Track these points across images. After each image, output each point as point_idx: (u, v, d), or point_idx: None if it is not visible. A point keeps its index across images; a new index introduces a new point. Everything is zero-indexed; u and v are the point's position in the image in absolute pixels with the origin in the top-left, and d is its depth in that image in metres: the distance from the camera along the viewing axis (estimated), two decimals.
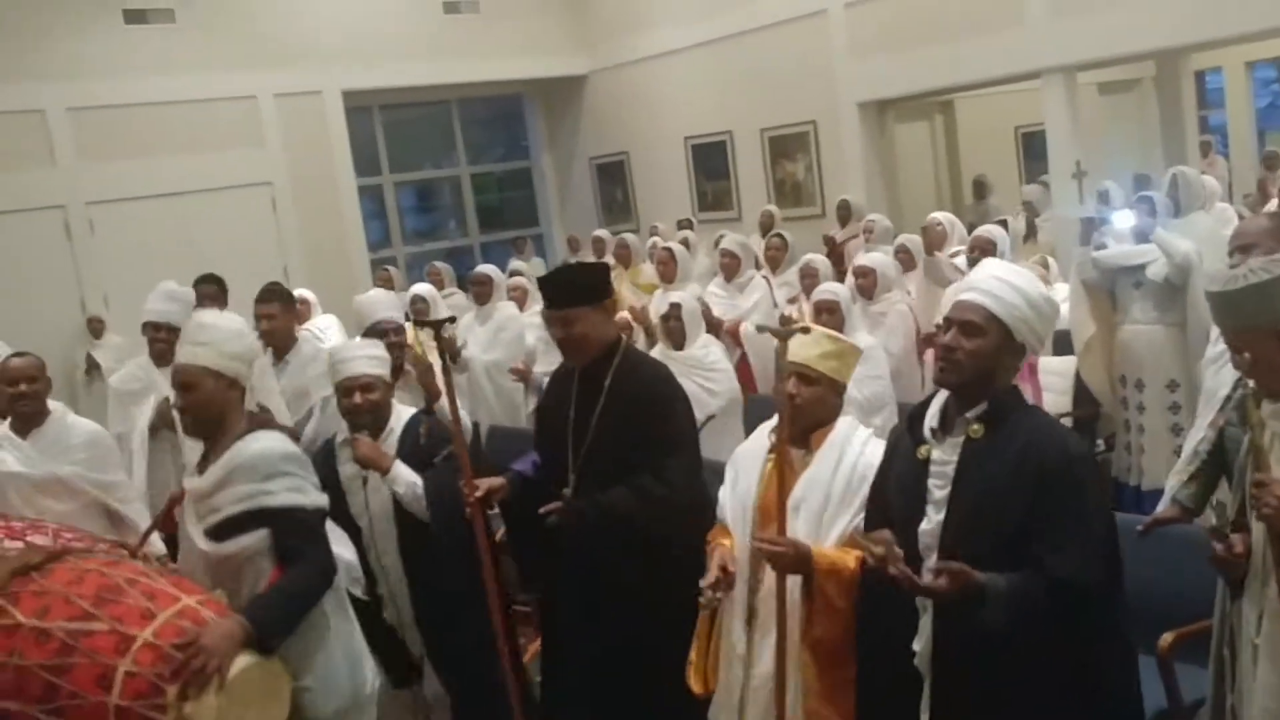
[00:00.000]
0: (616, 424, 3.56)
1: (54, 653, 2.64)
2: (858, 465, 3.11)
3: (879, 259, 6.54)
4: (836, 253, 9.29)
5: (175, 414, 4.76)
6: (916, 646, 2.69)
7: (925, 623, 2.66)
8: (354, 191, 11.59)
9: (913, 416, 2.76)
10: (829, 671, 3.00)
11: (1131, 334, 5.47)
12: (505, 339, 7.15)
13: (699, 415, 5.27)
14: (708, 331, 6.24)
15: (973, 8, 9.15)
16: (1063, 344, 6.52)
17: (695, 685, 3.35)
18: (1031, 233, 8.96)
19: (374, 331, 4.94)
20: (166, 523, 3.48)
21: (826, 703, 3.01)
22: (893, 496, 2.76)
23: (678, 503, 3.49)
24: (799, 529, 3.08)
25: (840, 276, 7.62)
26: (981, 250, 5.52)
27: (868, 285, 6.29)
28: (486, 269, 7.52)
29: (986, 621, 2.44)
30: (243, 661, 2.73)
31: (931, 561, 2.58)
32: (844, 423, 3.26)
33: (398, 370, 4.58)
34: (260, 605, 2.85)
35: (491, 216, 13.94)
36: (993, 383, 2.60)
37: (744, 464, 3.39)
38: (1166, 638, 3.37)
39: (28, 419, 4.20)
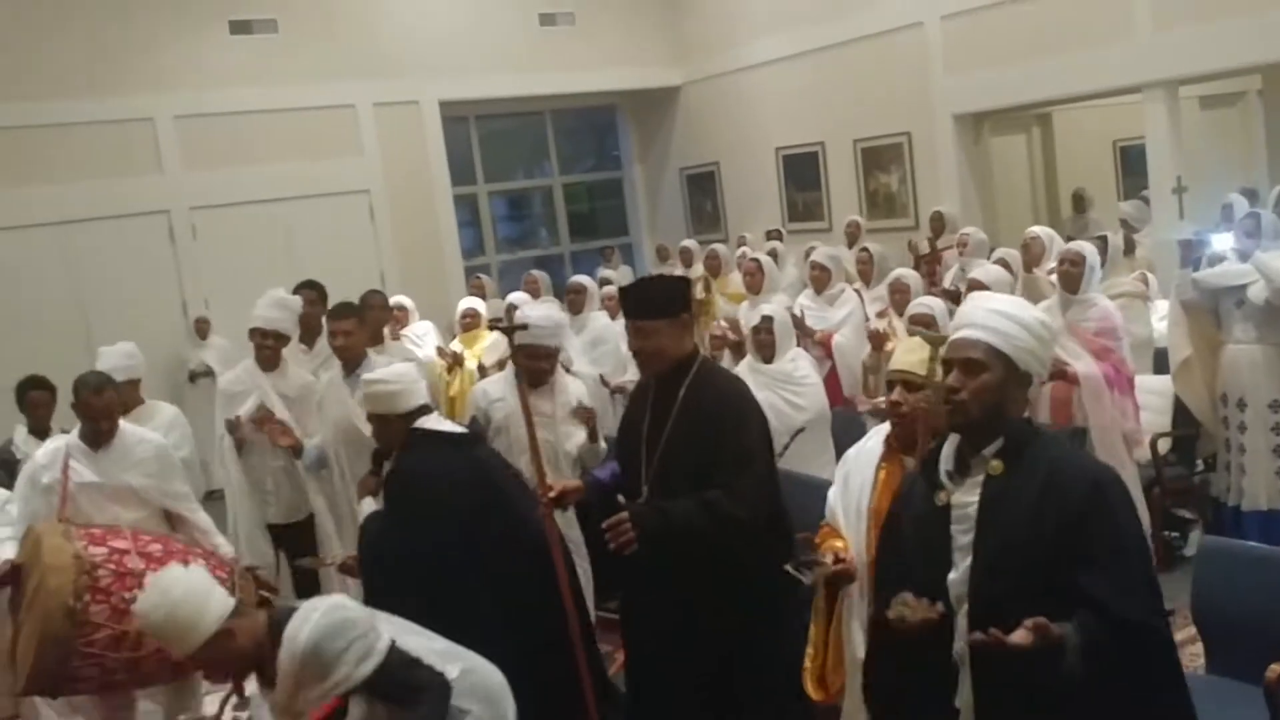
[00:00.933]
0: (688, 436, 3.57)
1: None
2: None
3: (994, 274, 6.36)
4: (928, 264, 9.19)
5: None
6: (958, 703, 2.56)
7: (964, 677, 2.54)
8: (449, 199, 11.76)
9: (926, 462, 2.66)
10: None
11: (1234, 353, 5.37)
12: (606, 350, 7.21)
13: (786, 429, 5.30)
14: (799, 344, 6.22)
15: (1073, 21, 8.99)
16: (1163, 362, 6.39)
17: (814, 692, 3.34)
18: (1130, 249, 8.77)
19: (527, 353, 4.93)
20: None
21: None
22: (911, 549, 2.64)
23: (746, 519, 3.46)
24: None
25: (930, 289, 7.55)
26: (1071, 263, 5.43)
27: None
28: (581, 279, 7.59)
29: (1067, 674, 2.34)
30: None
31: (964, 609, 2.49)
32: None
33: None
34: None
35: (582, 225, 14.05)
36: (1001, 419, 2.51)
37: (855, 466, 3.34)
38: (1275, 668, 3.28)
39: (101, 435, 4.39)
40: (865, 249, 8.09)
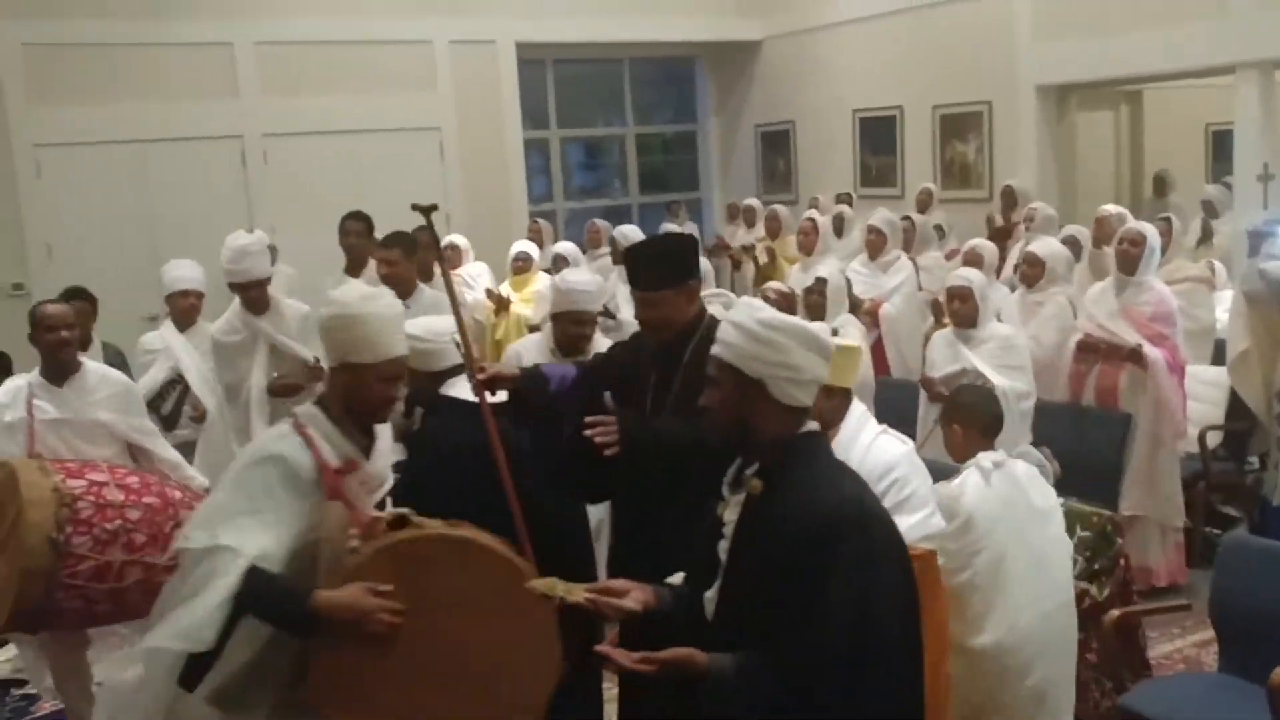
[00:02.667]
0: (691, 399, 3.46)
1: None
2: (862, 468, 2.94)
3: (1053, 249, 6.20)
4: (1001, 236, 9.00)
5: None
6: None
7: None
8: (519, 143, 11.72)
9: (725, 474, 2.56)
10: None
11: None
12: None
13: None
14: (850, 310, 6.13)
15: None
16: (1222, 353, 6.19)
17: None
18: (1206, 236, 8.51)
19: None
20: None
21: None
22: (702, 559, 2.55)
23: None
24: None
25: (1000, 263, 7.40)
26: (1131, 244, 5.26)
27: (1033, 275, 5.98)
28: (626, 228, 7.53)
29: (707, 706, 2.26)
30: None
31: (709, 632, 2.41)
32: (850, 423, 3.12)
33: None
34: None
35: (654, 178, 13.95)
36: (755, 430, 2.40)
37: None
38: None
39: (64, 367, 4.31)
40: (908, 216, 7.92)
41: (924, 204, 9.98)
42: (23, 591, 3.72)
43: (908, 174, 11.34)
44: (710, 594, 2.43)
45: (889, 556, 2.30)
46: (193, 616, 2.55)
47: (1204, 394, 5.95)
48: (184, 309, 5.71)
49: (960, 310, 5.10)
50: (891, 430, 3.23)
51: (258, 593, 2.59)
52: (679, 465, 3.31)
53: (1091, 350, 5.38)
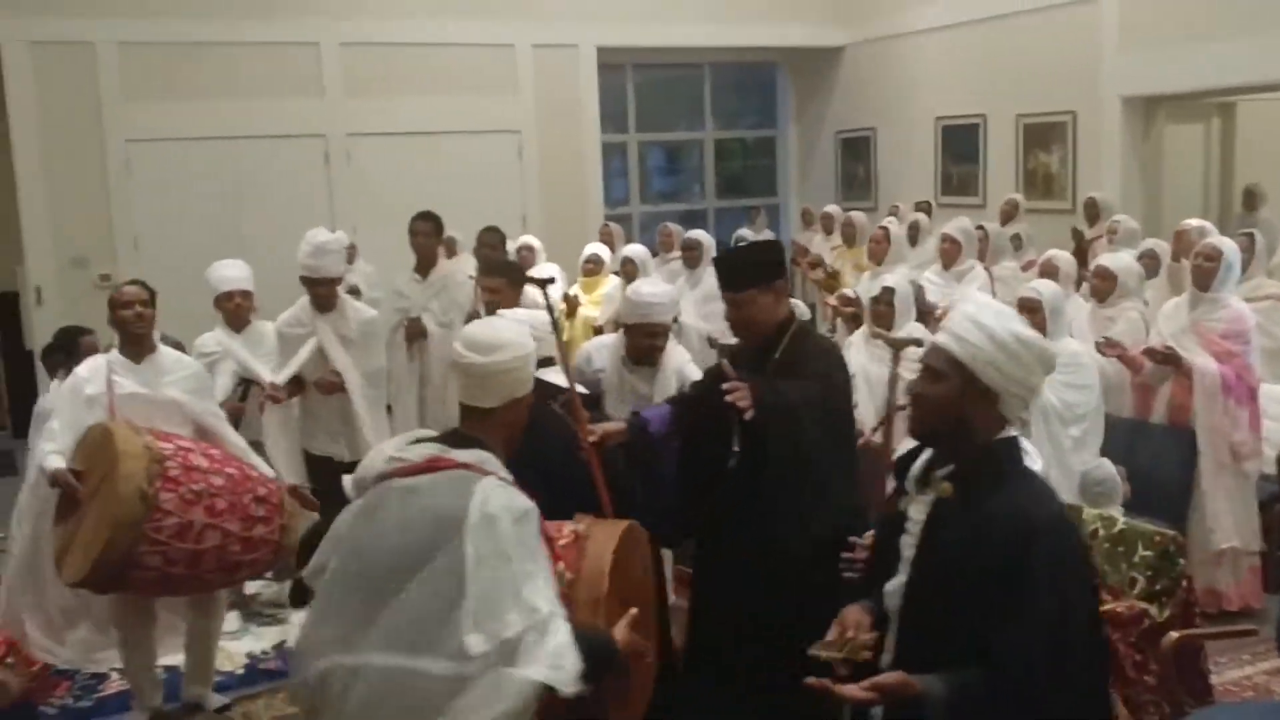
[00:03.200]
0: None
1: None
2: None
3: (1124, 262, 6.10)
4: (1083, 251, 8.84)
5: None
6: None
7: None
8: (597, 146, 11.78)
9: (900, 465, 2.56)
10: None
11: None
12: (717, 308, 7.11)
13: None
14: (918, 319, 6.05)
15: (1258, 2, 8.44)
16: None
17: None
18: None
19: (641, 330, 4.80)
20: None
21: None
22: (878, 549, 2.61)
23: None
24: None
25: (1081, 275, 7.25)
26: (1206, 258, 5.13)
27: (1104, 288, 5.89)
28: (697, 234, 7.54)
29: None
30: None
31: (895, 625, 2.44)
32: None
33: None
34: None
35: (733, 183, 13.94)
36: (967, 435, 2.37)
37: None
38: None
39: (140, 343, 4.47)
40: (982, 226, 7.80)
41: (1008, 215, 9.83)
42: (112, 540, 3.84)
43: (990, 183, 11.18)
44: (892, 587, 2.44)
45: (1081, 564, 2.36)
46: (567, 655, 2.32)
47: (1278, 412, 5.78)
48: (230, 310, 5.72)
49: (1030, 323, 5.00)
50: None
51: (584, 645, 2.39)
52: (804, 428, 3.46)
53: (1127, 359, 5.27)
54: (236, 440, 4.65)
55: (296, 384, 5.31)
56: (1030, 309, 4.85)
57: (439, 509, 2.40)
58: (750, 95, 14.20)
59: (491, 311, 5.07)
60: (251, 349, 5.67)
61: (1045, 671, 2.22)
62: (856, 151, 12.90)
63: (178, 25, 9.63)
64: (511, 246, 8.12)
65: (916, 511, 2.43)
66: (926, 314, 6.54)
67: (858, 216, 9.17)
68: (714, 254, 7.48)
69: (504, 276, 5.33)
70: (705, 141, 13.55)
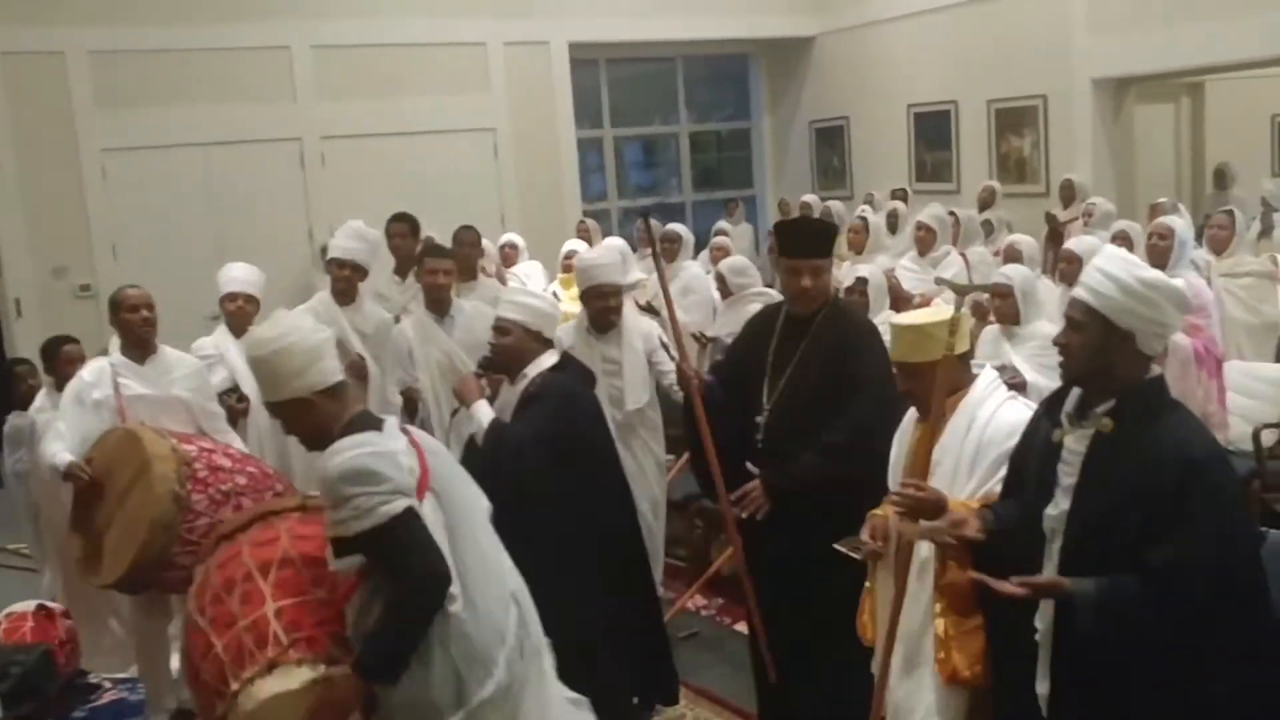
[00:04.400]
0: (816, 361, 3.82)
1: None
2: (987, 430, 3.09)
3: (1090, 246, 6.16)
4: (1058, 233, 8.92)
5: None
6: (1039, 624, 2.69)
7: (1047, 603, 2.66)
8: (573, 142, 11.80)
9: (1052, 400, 2.76)
10: (961, 620, 3.02)
11: None
12: (695, 300, 7.17)
13: None
14: (893, 307, 6.11)
15: None
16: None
17: (865, 638, 3.44)
18: (1267, 229, 8.34)
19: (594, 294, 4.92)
20: None
21: (959, 650, 3.00)
22: (1028, 475, 2.78)
23: (858, 445, 3.64)
24: None
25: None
26: (1160, 237, 5.23)
27: (1072, 272, 5.95)
28: (675, 227, 7.57)
29: (1083, 627, 2.47)
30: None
31: (1057, 545, 2.63)
32: (979, 387, 3.19)
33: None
34: (367, 653, 2.73)
35: (708, 176, 13.97)
36: (1113, 376, 2.57)
37: (900, 434, 3.42)
38: None
39: (144, 345, 4.55)
40: (953, 212, 7.87)
41: (985, 202, 9.90)
42: (148, 542, 3.89)
43: (964, 169, 11.27)
44: (1054, 512, 2.64)
45: (1240, 497, 2.62)
46: None
47: (1260, 390, 5.84)
48: (232, 311, 5.56)
49: (1001, 308, 5.08)
50: (1020, 396, 3.32)
51: None
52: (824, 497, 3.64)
53: None
54: (236, 438, 4.72)
55: None
56: (1002, 294, 4.91)
57: None
58: (724, 87, 14.23)
59: (436, 294, 5.18)
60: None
61: (1203, 588, 2.42)
62: (831, 141, 12.95)
63: (148, 33, 9.58)
64: (494, 245, 8.12)
65: (1076, 443, 2.62)
66: (903, 302, 6.61)
67: (837, 206, 9.21)
68: (691, 246, 7.54)
69: (406, 223, 5.59)
70: (680, 135, 13.59)
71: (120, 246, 9.59)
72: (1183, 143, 12.21)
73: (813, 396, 3.78)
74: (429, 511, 2.77)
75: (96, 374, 4.52)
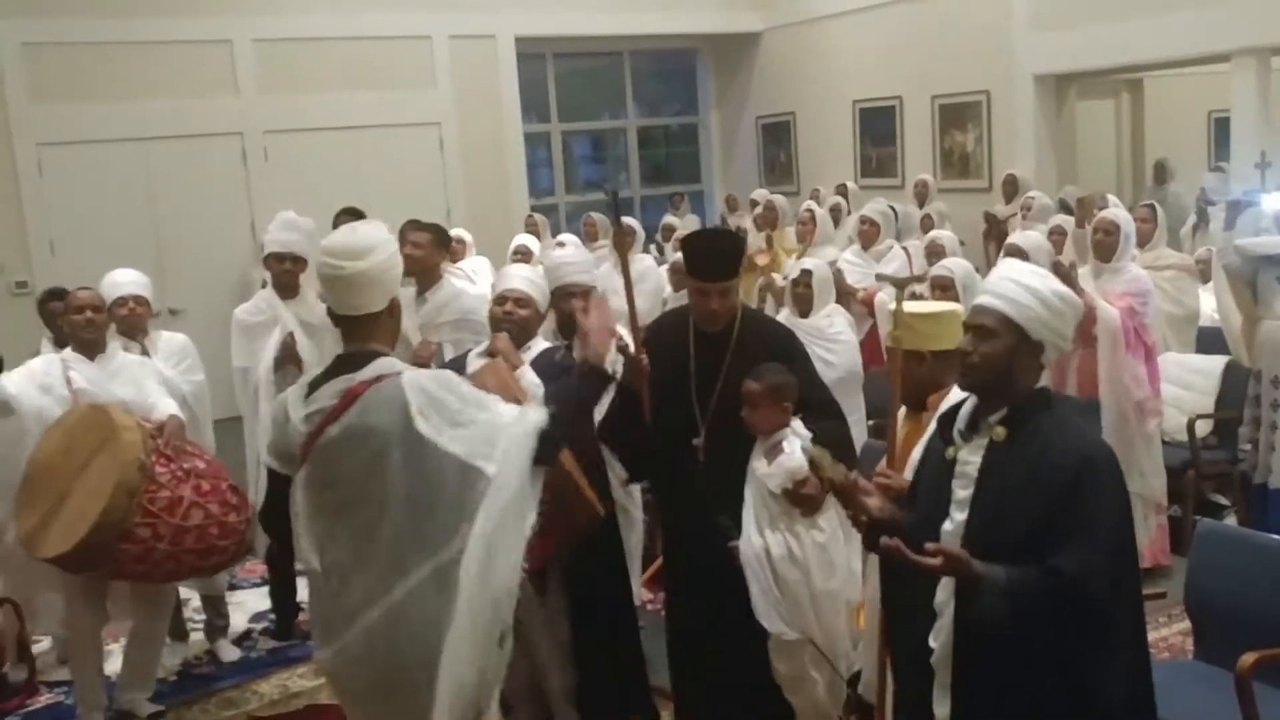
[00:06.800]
0: (737, 384, 3.64)
1: None
2: None
3: (1033, 240, 6.24)
4: (998, 230, 9.02)
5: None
6: (933, 643, 2.65)
7: (944, 622, 2.62)
8: (520, 137, 11.76)
9: (943, 418, 2.75)
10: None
11: (1272, 329, 5.14)
12: (644, 290, 7.16)
13: None
14: (838, 300, 6.15)
15: None
16: (1208, 342, 6.21)
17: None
18: (1203, 222, 8.49)
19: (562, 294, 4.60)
20: None
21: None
22: (920, 495, 2.78)
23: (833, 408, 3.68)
24: None
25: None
26: (1105, 232, 5.32)
27: None
28: (628, 222, 7.56)
29: (985, 611, 2.46)
30: None
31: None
32: (958, 387, 3.21)
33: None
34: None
35: (656, 171, 13.99)
36: (1012, 384, 2.59)
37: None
38: (1248, 657, 3.21)
39: (90, 345, 4.60)
40: (892, 206, 7.94)
41: (921, 195, 10.00)
42: (110, 505, 3.91)
43: (908, 164, 11.36)
44: (950, 527, 2.62)
45: (1126, 491, 2.62)
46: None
47: (1193, 382, 5.96)
48: (122, 317, 5.06)
49: (943, 300, 5.11)
50: None
51: None
52: None
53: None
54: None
55: None
56: (943, 286, 4.94)
57: (385, 429, 2.58)
58: (671, 82, 14.25)
59: (412, 270, 4.95)
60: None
61: (1106, 581, 2.46)
62: (777, 136, 13.01)
63: (84, 25, 9.44)
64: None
65: (970, 454, 2.63)
66: (848, 295, 6.65)
67: (778, 199, 9.25)
68: (641, 239, 7.54)
69: (431, 234, 5.33)
70: (628, 130, 13.58)
71: (58, 243, 9.44)
72: (1123, 138, 12.40)
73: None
74: None
75: (47, 364, 4.62)
